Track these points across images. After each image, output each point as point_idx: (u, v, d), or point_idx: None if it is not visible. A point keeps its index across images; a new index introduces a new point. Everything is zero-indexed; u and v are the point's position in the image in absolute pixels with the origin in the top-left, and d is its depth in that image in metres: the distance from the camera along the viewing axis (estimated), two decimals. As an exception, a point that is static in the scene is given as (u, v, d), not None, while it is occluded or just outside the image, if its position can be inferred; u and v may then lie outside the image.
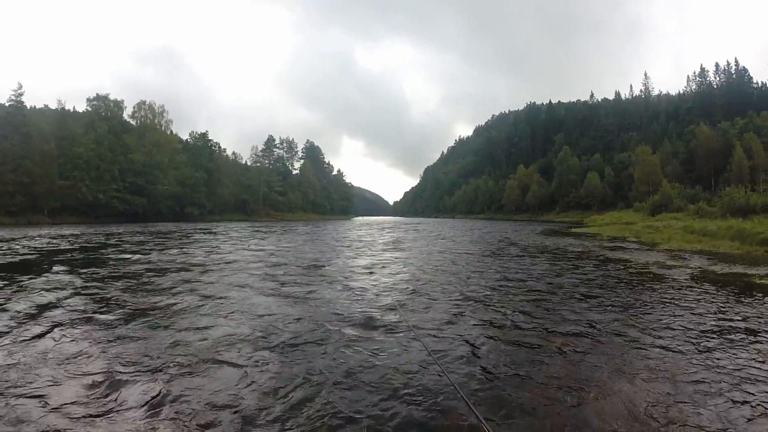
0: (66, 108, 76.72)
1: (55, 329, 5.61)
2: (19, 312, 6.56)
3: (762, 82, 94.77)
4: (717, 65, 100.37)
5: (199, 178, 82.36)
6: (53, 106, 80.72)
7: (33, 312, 6.57)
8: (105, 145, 67.09)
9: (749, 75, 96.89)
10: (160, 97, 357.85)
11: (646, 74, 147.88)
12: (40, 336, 5.35)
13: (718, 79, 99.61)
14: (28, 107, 66.71)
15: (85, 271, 11.16)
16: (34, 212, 56.49)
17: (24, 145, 57.74)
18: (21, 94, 61.25)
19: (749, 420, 3.28)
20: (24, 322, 5.98)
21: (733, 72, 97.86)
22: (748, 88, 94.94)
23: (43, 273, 10.63)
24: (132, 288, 8.59)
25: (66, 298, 7.64)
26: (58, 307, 6.93)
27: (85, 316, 6.32)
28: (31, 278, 9.72)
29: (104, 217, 62.79)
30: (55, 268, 11.49)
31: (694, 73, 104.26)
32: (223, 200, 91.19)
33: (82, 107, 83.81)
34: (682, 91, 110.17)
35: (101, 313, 6.49)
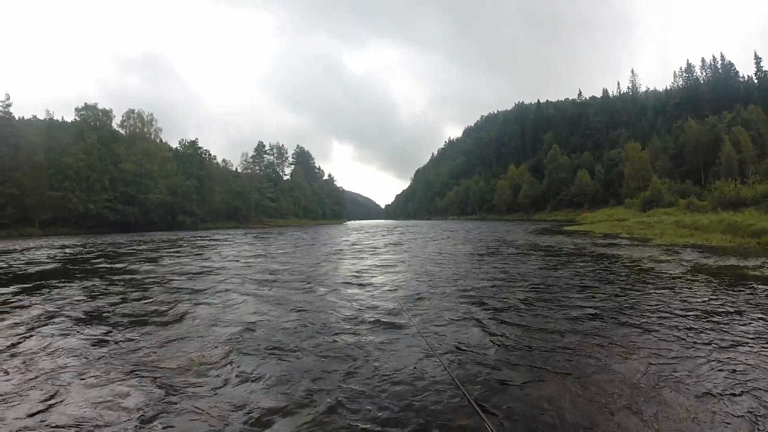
0: (54, 118, 76.39)
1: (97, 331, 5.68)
2: (71, 316, 6.88)
3: (748, 76, 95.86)
4: (703, 60, 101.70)
5: (190, 186, 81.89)
6: (41, 116, 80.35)
7: (83, 316, 6.71)
8: (95, 155, 66.55)
9: (735, 69, 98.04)
10: (147, 105, 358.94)
11: (633, 71, 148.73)
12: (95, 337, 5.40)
13: (704, 74, 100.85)
14: (16, 118, 66.09)
15: (118, 278, 11.35)
16: (25, 224, 55.89)
17: (13, 157, 57.09)
18: (9, 105, 60.76)
19: (732, 386, 3.37)
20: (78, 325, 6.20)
21: (719, 67, 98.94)
22: (734, 82, 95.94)
23: (80, 280, 10.90)
24: (171, 292, 8.82)
25: (110, 302, 7.89)
26: (101, 310, 7.12)
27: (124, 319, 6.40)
28: (72, 284, 10.00)
29: (96, 228, 62.19)
30: (89, 276, 11.78)
31: (681, 68, 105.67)
32: (215, 208, 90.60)
33: (68, 116, 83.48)
34: (669, 87, 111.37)
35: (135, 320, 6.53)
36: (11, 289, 9.61)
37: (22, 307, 7.68)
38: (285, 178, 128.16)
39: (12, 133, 59.42)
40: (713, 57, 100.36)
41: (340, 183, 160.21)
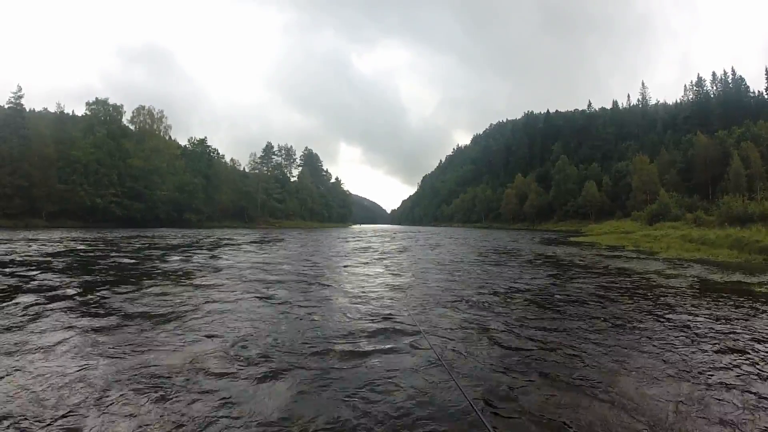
0: (65, 111, 76.87)
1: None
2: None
3: (759, 91, 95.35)
4: (714, 74, 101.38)
5: (197, 185, 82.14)
6: (52, 109, 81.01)
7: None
8: (104, 150, 67.06)
9: (746, 84, 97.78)
10: (152, 99, 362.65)
11: (643, 84, 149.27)
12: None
13: (715, 88, 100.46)
14: (27, 110, 66.53)
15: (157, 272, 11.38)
16: (32, 215, 56.28)
17: (23, 148, 57.65)
18: (20, 97, 61.40)
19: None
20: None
21: (729, 81, 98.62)
22: (745, 97, 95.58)
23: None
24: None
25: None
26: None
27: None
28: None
29: (102, 222, 62.51)
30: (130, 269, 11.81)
31: (691, 82, 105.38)
32: (222, 207, 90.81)
33: (77, 108, 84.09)
34: (679, 100, 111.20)
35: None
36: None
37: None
38: (292, 179, 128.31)
39: (22, 124, 60.05)
40: (724, 71, 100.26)
41: (347, 186, 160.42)
